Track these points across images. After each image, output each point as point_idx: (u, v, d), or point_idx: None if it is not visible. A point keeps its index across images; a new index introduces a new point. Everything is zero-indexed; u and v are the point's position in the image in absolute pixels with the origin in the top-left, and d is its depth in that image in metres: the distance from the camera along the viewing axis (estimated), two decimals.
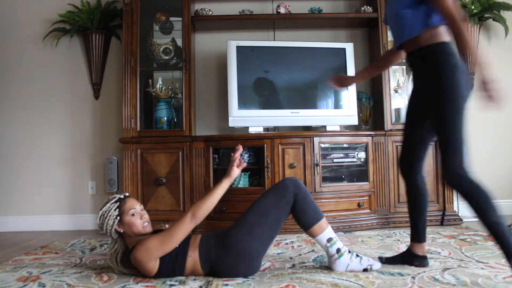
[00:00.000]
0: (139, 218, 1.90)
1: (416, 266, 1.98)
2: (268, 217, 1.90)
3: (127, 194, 2.00)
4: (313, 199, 2.00)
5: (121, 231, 1.90)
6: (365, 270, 1.95)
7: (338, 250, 1.95)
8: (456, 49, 1.76)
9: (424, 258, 2.01)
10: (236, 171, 1.96)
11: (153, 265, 1.82)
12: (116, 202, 1.91)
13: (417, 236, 2.01)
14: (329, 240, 1.95)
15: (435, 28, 1.79)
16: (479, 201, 1.64)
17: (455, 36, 1.68)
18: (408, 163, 1.98)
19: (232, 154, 1.97)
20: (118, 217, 1.87)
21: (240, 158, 1.98)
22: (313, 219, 1.94)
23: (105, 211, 1.89)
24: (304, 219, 1.94)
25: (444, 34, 1.79)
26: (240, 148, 1.98)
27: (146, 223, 1.91)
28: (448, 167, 1.70)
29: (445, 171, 1.71)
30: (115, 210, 1.88)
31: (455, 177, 1.68)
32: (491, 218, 1.62)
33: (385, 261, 2.05)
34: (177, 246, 1.85)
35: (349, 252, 1.97)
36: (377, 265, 1.97)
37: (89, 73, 3.61)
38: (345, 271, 1.94)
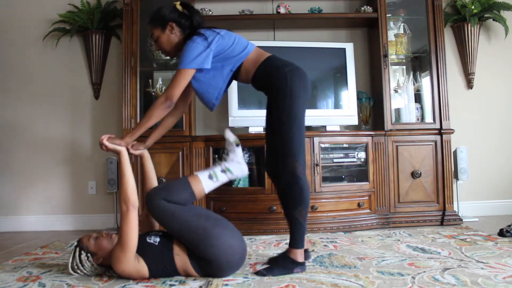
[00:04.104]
0: (102, 236, 1.88)
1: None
2: (186, 225, 1.83)
3: (75, 243, 1.94)
4: (172, 185, 1.95)
5: (101, 260, 1.88)
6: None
7: (223, 171, 1.99)
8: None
9: (305, 251, 2.08)
10: (116, 145, 1.93)
11: (137, 268, 1.80)
12: (75, 249, 1.88)
13: None
14: (210, 177, 1.96)
15: (248, 57, 2.01)
16: (294, 198, 1.93)
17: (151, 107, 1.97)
18: (274, 167, 2.02)
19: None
20: (89, 254, 1.86)
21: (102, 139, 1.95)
22: (189, 198, 1.90)
23: (77, 264, 1.87)
24: (183, 201, 1.89)
25: (261, 55, 2.02)
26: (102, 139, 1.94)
27: (107, 235, 1.89)
28: (284, 170, 1.93)
29: (282, 174, 1.94)
30: (81, 253, 1.86)
31: (290, 178, 1.92)
32: (295, 214, 1.93)
33: (268, 260, 2.06)
34: (155, 243, 1.84)
35: (222, 171, 1.99)
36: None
37: (89, 73, 3.62)
38: (245, 175, 2.07)
